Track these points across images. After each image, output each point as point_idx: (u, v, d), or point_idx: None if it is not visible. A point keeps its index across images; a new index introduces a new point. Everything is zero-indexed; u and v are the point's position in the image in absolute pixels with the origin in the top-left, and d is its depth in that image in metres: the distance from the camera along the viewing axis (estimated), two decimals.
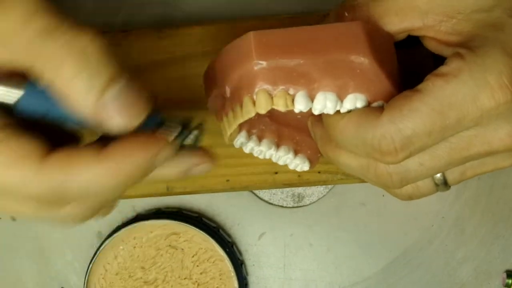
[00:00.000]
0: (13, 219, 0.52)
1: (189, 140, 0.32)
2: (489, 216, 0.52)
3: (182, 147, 0.32)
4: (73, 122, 0.30)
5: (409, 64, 0.37)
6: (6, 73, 0.29)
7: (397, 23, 0.35)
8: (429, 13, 0.34)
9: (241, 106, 0.35)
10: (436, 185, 0.37)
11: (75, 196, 0.29)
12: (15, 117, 0.30)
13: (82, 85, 0.28)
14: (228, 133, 0.37)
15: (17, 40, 0.28)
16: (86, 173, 0.29)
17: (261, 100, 0.34)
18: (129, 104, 0.29)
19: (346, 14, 0.36)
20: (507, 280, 0.51)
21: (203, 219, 0.51)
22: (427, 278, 0.52)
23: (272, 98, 0.34)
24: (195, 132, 0.32)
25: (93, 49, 0.28)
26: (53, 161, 0.29)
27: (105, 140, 0.30)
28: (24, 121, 0.30)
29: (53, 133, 0.31)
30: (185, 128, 0.32)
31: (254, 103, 0.34)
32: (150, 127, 0.31)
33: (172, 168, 0.33)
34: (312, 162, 0.42)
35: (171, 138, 0.31)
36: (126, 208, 0.52)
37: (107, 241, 0.49)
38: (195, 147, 0.32)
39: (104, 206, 0.33)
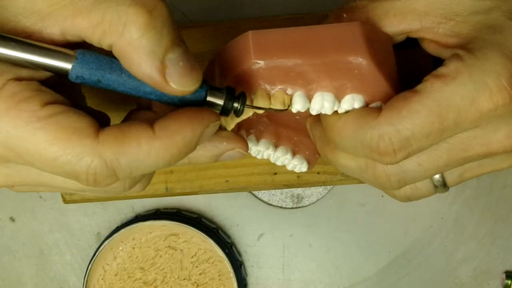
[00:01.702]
0: (12, 219, 0.52)
1: (234, 106, 0.32)
2: (489, 216, 0.52)
3: (227, 114, 0.32)
4: (125, 88, 0.30)
5: (408, 65, 0.37)
6: (60, 43, 0.29)
7: (395, 24, 0.35)
8: (427, 15, 0.34)
9: None
10: (435, 186, 0.37)
11: (128, 171, 0.29)
12: (64, 95, 0.30)
13: (147, 45, 0.28)
14: None
15: (81, 4, 0.28)
16: (142, 148, 0.29)
17: (259, 99, 0.34)
18: (189, 68, 0.29)
19: (345, 16, 0.36)
20: (506, 281, 0.51)
21: (202, 219, 0.51)
22: (426, 278, 0.52)
23: (270, 97, 0.34)
24: (239, 99, 0.32)
25: (160, 11, 0.28)
26: (107, 136, 0.28)
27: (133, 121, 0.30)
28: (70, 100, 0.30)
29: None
30: (230, 94, 0.32)
31: (252, 102, 0.34)
32: (198, 94, 0.31)
33: (206, 151, 0.34)
34: (310, 163, 0.42)
35: (218, 109, 0.32)
36: (125, 208, 0.52)
37: (106, 242, 0.49)
38: (239, 113, 0.32)
39: (140, 180, 0.33)
